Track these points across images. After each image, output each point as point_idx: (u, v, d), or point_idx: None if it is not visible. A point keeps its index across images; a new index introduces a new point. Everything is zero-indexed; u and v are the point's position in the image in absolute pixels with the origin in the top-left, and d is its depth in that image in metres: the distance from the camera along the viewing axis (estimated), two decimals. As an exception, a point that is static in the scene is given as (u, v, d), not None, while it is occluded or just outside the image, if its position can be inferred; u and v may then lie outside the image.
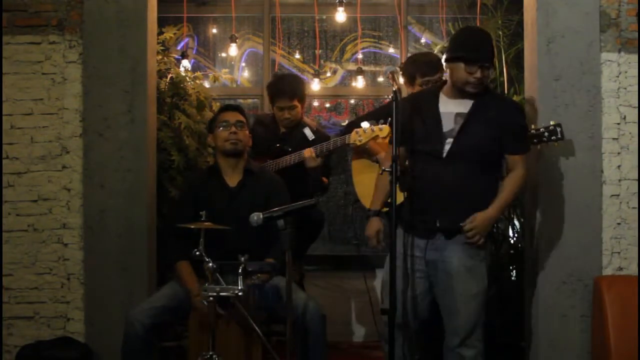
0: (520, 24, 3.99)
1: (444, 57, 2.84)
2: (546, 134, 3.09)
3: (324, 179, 3.86)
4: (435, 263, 2.81)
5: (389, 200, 2.74)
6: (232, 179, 3.23)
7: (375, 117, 3.47)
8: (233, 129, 3.19)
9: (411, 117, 2.82)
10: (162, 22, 4.23)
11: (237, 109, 3.32)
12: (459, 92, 2.81)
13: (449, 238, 2.79)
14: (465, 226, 2.73)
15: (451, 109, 2.82)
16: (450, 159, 2.76)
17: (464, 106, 2.80)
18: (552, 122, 3.10)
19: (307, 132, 3.83)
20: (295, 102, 3.82)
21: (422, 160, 2.82)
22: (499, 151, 2.82)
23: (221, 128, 3.21)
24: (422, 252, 2.82)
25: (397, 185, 2.65)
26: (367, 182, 3.46)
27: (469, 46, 2.76)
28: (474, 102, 2.80)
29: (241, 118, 3.25)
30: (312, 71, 5.96)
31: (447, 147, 2.77)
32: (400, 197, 2.78)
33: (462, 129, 2.77)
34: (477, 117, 2.78)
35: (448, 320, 2.83)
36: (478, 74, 2.74)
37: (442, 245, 2.80)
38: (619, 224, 3.30)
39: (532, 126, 3.17)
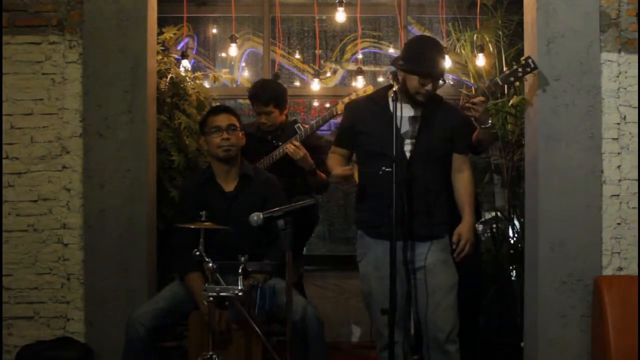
0: (520, 24, 3.99)
1: (398, 63, 2.86)
2: (520, 69, 3.15)
3: (323, 176, 3.81)
4: (411, 263, 2.89)
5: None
6: (228, 184, 3.22)
7: None
8: (225, 134, 3.16)
9: (362, 121, 2.92)
10: (162, 22, 4.23)
11: (227, 110, 3.28)
12: (408, 97, 2.88)
13: (420, 241, 2.88)
14: (456, 248, 2.87)
15: (403, 112, 2.87)
16: (413, 161, 2.86)
17: (414, 110, 2.91)
18: (522, 58, 3.16)
19: (298, 127, 3.84)
20: (271, 108, 3.83)
21: (383, 163, 2.74)
22: (450, 151, 2.97)
23: (213, 134, 3.17)
24: (398, 254, 2.80)
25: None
26: None
27: (426, 62, 2.83)
28: (424, 106, 2.90)
29: (233, 121, 3.21)
30: (312, 71, 5.96)
31: (407, 149, 2.87)
32: None
33: (420, 131, 2.87)
34: (430, 119, 2.90)
35: (429, 318, 2.86)
36: (430, 87, 2.84)
37: (412, 245, 2.89)
38: (619, 224, 3.30)
39: (505, 69, 3.21)
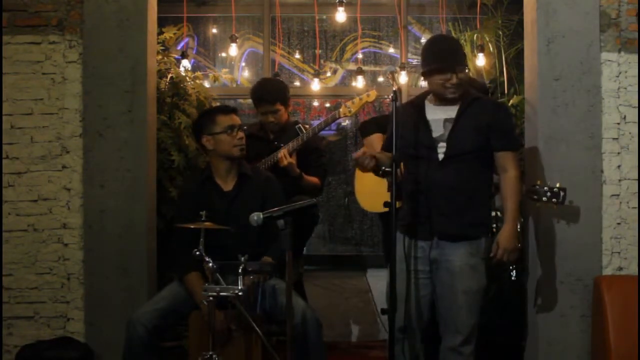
0: (520, 24, 3.99)
1: (420, 71, 2.90)
2: (548, 194, 3.03)
3: (313, 179, 3.83)
4: (437, 262, 2.86)
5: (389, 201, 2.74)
6: (227, 184, 3.22)
7: (383, 122, 3.60)
8: (240, 134, 3.18)
9: (402, 125, 2.87)
10: (162, 22, 4.23)
11: (235, 110, 3.28)
12: (442, 99, 2.89)
13: (452, 241, 2.85)
14: (493, 258, 2.83)
15: (439, 115, 2.89)
16: (446, 163, 2.83)
17: (451, 111, 2.89)
18: (557, 185, 3.04)
19: (299, 129, 3.84)
20: (278, 106, 3.84)
21: (417, 165, 2.87)
22: (489, 150, 2.88)
23: (227, 133, 3.15)
24: (425, 252, 2.88)
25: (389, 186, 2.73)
26: (366, 181, 3.49)
27: (439, 56, 2.84)
28: (460, 106, 2.88)
29: (240, 121, 3.24)
30: (312, 71, 5.96)
31: (440, 152, 2.85)
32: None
33: (452, 133, 2.84)
34: (464, 120, 2.86)
35: (449, 319, 2.86)
36: (454, 80, 2.82)
37: (443, 244, 2.86)
38: (619, 224, 3.30)
39: (538, 182, 3.13)
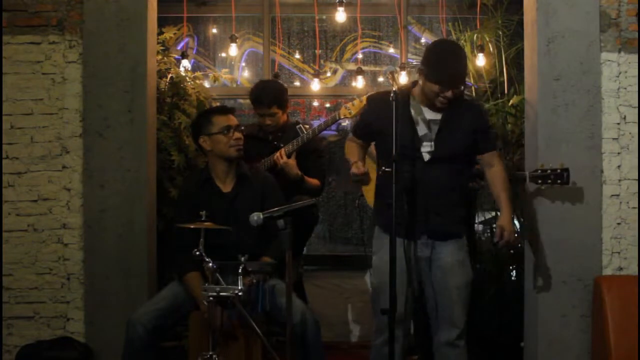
0: (520, 24, 3.99)
1: (419, 68, 2.84)
2: (552, 176, 3.11)
3: (315, 181, 3.83)
4: (428, 260, 2.89)
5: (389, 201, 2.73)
6: (226, 185, 3.21)
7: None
8: (237, 134, 3.17)
9: (382, 120, 2.83)
10: (162, 22, 4.23)
11: (232, 110, 3.27)
12: (427, 100, 2.87)
13: (440, 239, 2.88)
14: (500, 243, 2.87)
15: (424, 115, 2.88)
16: (432, 163, 2.85)
17: (435, 113, 2.88)
18: (559, 165, 3.10)
19: (300, 129, 3.84)
20: (274, 109, 3.83)
21: (402, 163, 2.78)
22: (471, 152, 2.94)
23: (223, 133, 3.15)
24: (413, 251, 2.88)
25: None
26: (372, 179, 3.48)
27: (445, 71, 2.78)
28: (446, 109, 2.86)
29: (237, 121, 3.23)
30: (312, 71, 5.96)
31: (425, 151, 2.85)
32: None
33: (439, 134, 2.85)
34: (450, 123, 2.86)
35: (444, 315, 2.87)
36: (449, 94, 2.79)
37: (432, 243, 2.89)
38: (619, 224, 3.30)
39: (540, 165, 3.15)
